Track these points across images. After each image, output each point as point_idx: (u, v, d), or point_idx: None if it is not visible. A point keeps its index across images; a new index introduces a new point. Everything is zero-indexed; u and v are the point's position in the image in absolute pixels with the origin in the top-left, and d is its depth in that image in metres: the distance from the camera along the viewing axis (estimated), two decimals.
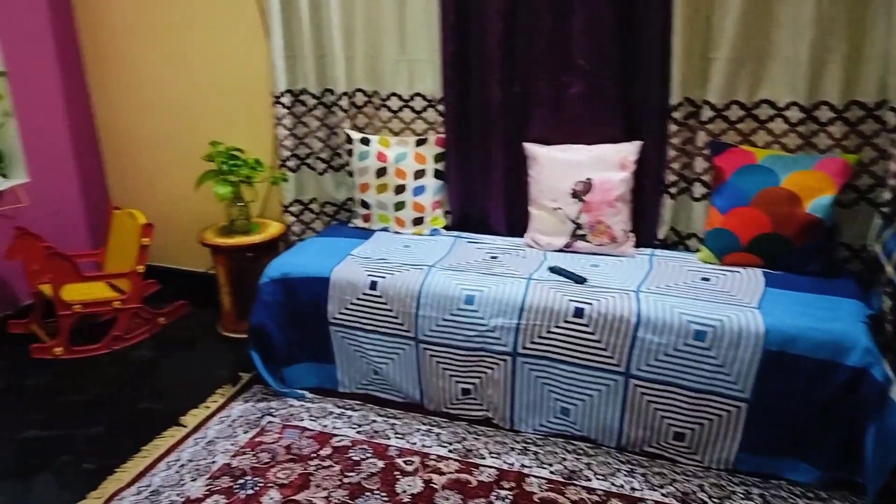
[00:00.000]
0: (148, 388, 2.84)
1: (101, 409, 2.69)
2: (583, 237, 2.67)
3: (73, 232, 3.50)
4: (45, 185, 3.33)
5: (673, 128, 2.56)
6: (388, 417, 2.55)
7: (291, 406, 2.63)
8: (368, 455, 2.33)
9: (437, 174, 2.96)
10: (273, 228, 3.18)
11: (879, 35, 2.25)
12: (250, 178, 3.05)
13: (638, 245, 2.70)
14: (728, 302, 2.20)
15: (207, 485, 2.20)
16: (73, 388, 2.84)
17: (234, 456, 2.34)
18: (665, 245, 2.72)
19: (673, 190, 2.65)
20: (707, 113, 2.52)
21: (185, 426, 2.53)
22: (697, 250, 2.61)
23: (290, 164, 3.12)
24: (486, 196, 2.94)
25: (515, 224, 2.89)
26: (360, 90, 3.01)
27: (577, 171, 2.65)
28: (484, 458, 2.31)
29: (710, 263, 2.52)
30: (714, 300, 2.22)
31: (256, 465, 2.29)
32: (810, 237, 2.34)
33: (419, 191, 2.94)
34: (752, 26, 2.37)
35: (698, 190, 2.63)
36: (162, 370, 3.00)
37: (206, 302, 3.37)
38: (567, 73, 2.65)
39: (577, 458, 2.30)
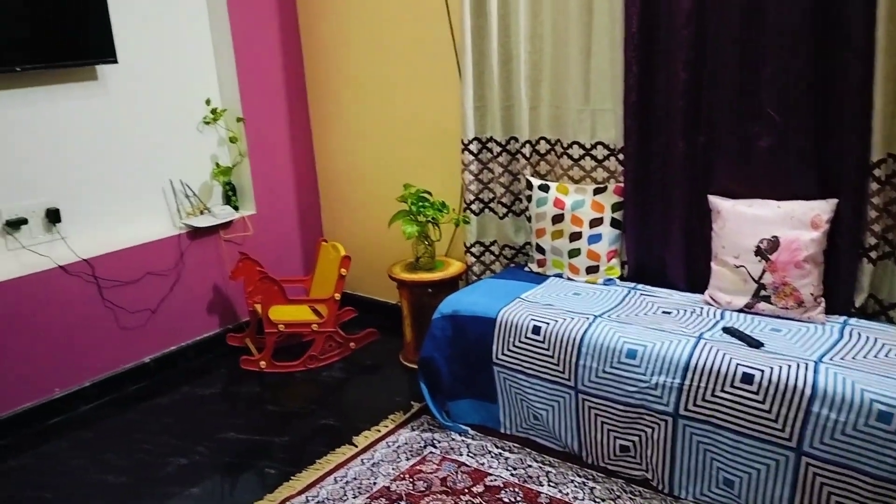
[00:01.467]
0: (332, 407, 3.11)
1: (291, 420, 2.99)
2: (766, 299, 2.50)
3: (289, 259, 3.94)
4: (269, 217, 3.80)
5: (874, 186, 2.33)
6: (545, 464, 2.55)
7: (453, 440, 2.73)
8: (519, 499, 2.36)
9: (615, 223, 2.94)
10: (454, 267, 3.34)
11: None
12: (436, 220, 3.24)
13: (830, 312, 2.46)
14: None
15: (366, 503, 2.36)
16: (271, 399, 3.19)
17: (393, 480, 2.49)
18: (863, 314, 2.46)
19: (873, 254, 2.40)
20: None
21: (356, 446, 2.73)
22: None
23: (474, 207, 3.27)
24: (664, 248, 2.86)
25: (695, 279, 2.78)
26: (543, 138, 3.09)
27: (764, 228, 2.50)
28: None
29: None
30: None
31: (412, 491, 2.42)
32: None
33: (595, 239, 2.94)
34: None
35: None
36: (347, 391, 3.27)
37: (392, 332, 3.61)
38: (755, 125, 2.52)
39: None
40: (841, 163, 2.39)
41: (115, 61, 3.09)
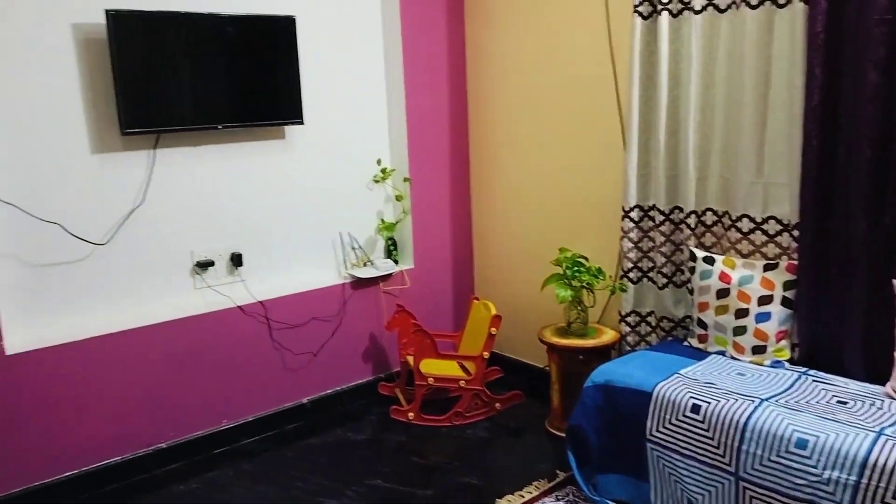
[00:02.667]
0: (475, 465, 3.12)
1: (435, 474, 3.03)
2: None
3: (440, 314, 4.05)
4: (425, 272, 3.94)
5: None
6: None
7: None
8: None
9: (786, 302, 2.78)
10: (608, 336, 3.29)
11: None
12: (591, 285, 3.23)
13: None
14: None
15: None
16: (417, 450, 3.25)
17: None
18: None
19: None
20: None
21: None
22: None
23: (632, 275, 3.22)
24: (840, 333, 2.67)
25: (875, 369, 2.56)
26: (709, 209, 3.01)
27: None
28: None
29: None
30: None
31: None
32: None
33: (763, 317, 2.79)
34: None
35: None
36: (490, 451, 3.27)
37: (539, 396, 3.59)
38: None
39: None
40: None
41: (302, 123, 3.39)
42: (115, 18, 2.80)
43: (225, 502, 2.86)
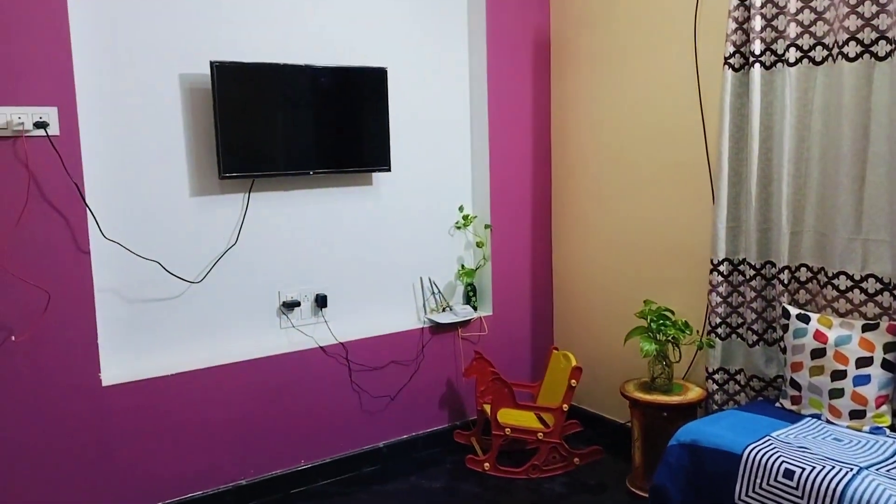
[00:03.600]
0: None
1: None
2: None
3: (519, 364, 4.01)
4: (504, 319, 3.92)
5: None
6: None
7: None
8: None
9: (886, 365, 2.63)
10: (693, 393, 3.17)
11: None
12: (677, 340, 3.14)
13: None
14: None
15: None
16: (492, 502, 3.20)
17: None
18: None
19: None
20: None
21: None
22: None
23: (720, 331, 3.12)
24: None
25: None
26: (804, 265, 2.90)
27: None
28: None
29: None
30: None
31: None
32: None
33: (862, 380, 2.64)
34: None
35: None
36: None
37: (619, 453, 3.49)
38: None
39: None
40: None
41: (390, 170, 3.48)
42: (219, 69, 2.97)
43: None
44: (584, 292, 3.95)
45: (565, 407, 3.38)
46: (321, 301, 3.41)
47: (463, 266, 3.89)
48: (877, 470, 2.26)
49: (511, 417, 3.44)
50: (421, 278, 3.75)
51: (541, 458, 3.41)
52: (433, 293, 3.79)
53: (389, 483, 3.38)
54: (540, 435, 3.40)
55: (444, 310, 3.79)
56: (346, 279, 3.50)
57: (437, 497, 3.25)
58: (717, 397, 3.14)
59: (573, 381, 3.36)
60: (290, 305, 3.34)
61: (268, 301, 3.31)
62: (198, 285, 3.13)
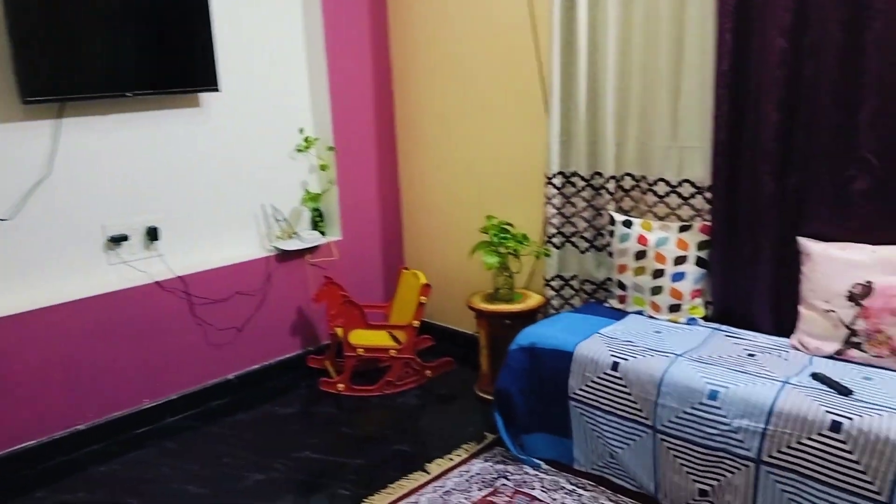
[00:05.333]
0: (406, 433, 3.14)
1: (366, 444, 3.04)
2: (857, 346, 2.39)
3: (370, 285, 4.03)
4: (353, 243, 3.91)
5: None
6: None
7: (526, 473, 2.71)
8: None
9: (700, 262, 2.89)
10: (533, 300, 3.34)
11: None
12: (517, 252, 3.27)
13: None
14: None
15: None
16: (347, 421, 3.25)
17: None
18: None
19: None
20: None
21: (428, 473, 2.75)
22: None
23: (556, 240, 3.28)
24: (751, 290, 2.79)
25: (782, 323, 2.70)
26: (628, 174, 3.08)
27: (857, 273, 2.41)
28: None
29: None
30: None
31: None
32: None
33: (678, 277, 2.89)
34: None
35: None
36: (421, 418, 3.29)
37: (468, 362, 3.64)
38: (851, 167, 2.45)
39: None
40: None
41: (218, 90, 3.28)
42: None
43: (149, 481, 2.80)
44: (432, 211, 4.00)
45: (416, 323, 3.45)
46: (152, 234, 3.22)
47: (308, 191, 3.80)
48: (690, 356, 2.51)
49: (363, 338, 3.48)
50: (263, 205, 3.64)
51: (394, 374, 3.49)
52: (277, 220, 3.69)
53: (241, 413, 3.34)
54: (392, 352, 3.47)
55: (290, 237, 3.72)
56: (180, 210, 3.32)
57: (292, 422, 3.26)
58: (554, 302, 3.32)
59: (423, 297, 3.43)
60: (117, 240, 3.13)
61: (92, 236, 3.08)
62: (10, 222, 2.85)
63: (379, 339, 3.54)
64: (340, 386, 3.48)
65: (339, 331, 3.49)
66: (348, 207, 3.85)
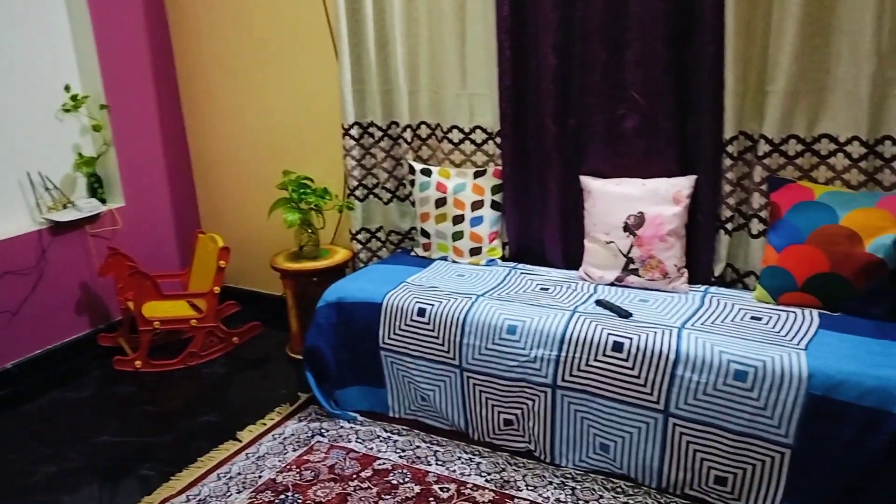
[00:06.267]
0: (215, 403, 3.01)
1: (170, 420, 2.87)
2: (634, 271, 2.63)
3: (164, 253, 3.77)
4: (140, 209, 3.62)
5: (727, 162, 2.50)
6: (433, 444, 2.58)
7: (341, 428, 2.72)
8: (407, 479, 2.38)
9: (495, 205, 3.00)
10: (340, 255, 3.30)
11: None
12: (319, 207, 3.20)
13: (693, 281, 2.63)
14: (774, 342, 2.11)
15: (250, 498, 2.31)
16: (150, 399, 3.05)
17: (280, 472, 2.45)
18: (722, 282, 2.64)
19: (729, 226, 2.58)
20: (763, 147, 2.44)
21: (240, 441, 2.66)
22: (755, 289, 2.51)
23: (358, 193, 3.25)
24: (542, 228, 2.95)
25: (572, 257, 2.89)
26: (423, 123, 3.11)
27: (631, 205, 2.63)
28: (520, 490, 2.30)
29: (764, 303, 2.42)
30: (760, 340, 2.13)
31: (299, 482, 2.39)
32: (871, 278, 2.21)
33: (476, 221, 2.99)
34: (810, 59, 2.30)
35: (756, 227, 2.54)
36: (230, 387, 3.17)
37: (278, 324, 3.54)
38: (621, 107, 2.64)
39: (614, 497, 2.25)
40: (698, 141, 2.54)
41: None
42: None
43: None
44: (226, 170, 3.79)
45: (216, 289, 3.29)
46: None
47: (81, 155, 3.43)
48: (490, 295, 2.62)
49: (159, 310, 3.26)
50: (29, 173, 3.24)
51: (197, 345, 3.32)
52: (47, 189, 3.31)
53: (26, 404, 3.02)
54: (193, 322, 3.29)
55: (64, 206, 3.35)
56: None
57: (86, 406, 3.00)
58: (361, 255, 3.31)
59: (222, 262, 3.27)
60: None
61: None
62: None
63: (177, 309, 3.34)
64: (138, 363, 3.25)
65: (131, 305, 3.24)
66: (129, 170, 3.55)
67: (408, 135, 3.12)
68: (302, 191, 3.17)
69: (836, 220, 2.25)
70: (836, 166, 2.36)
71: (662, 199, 2.58)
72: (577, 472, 2.38)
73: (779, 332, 2.18)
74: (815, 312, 2.29)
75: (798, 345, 2.08)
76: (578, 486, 2.31)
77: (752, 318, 2.30)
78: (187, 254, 3.79)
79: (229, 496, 2.33)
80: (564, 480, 2.34)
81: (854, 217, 2.23)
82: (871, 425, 1.89)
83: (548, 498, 2.26)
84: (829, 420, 1.94)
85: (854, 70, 2.24)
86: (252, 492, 2.34)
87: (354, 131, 3.17)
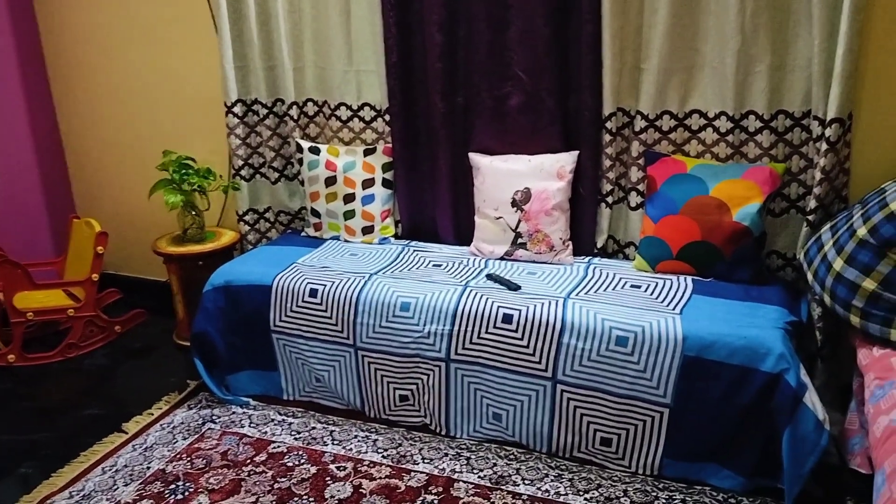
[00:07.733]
0: (98, 396, 2.87)
1: (49, 415, 2.72)
2: (522, 245, 2.70)
3: (35, 241, 3.54)
4: (6, 196, 3.37)
5: (607, 137, 2.60)
6: (329, 424, 2.57)
7: (234, 413, 2.66)
8: (303, 461, 2.36)
9: (386, 183, 2.99)
10: (227, 237, 3.20)
11: (802, 45, 2.28)
12: (202, 188, 3.08)
13: (578, 253, 2.73)
14: (652, 309, 2.23)
15: (139, 490, 2.23)
16: (26, 395, 2.88)
17: (169, 462, 2.37)
18: (605, 254, 2.75)
19: (610, 199, 2.68)
20: (640, 123, 2.55)
21: (126, 432, 2.56)
22: (634, 259, 2.64)
23: (244, 173, 3.16)
24: (434, 205, 2.97)
25: (462, 233, 2.93)
26: (310, 100, 3.05)
27: (518, 181, 2.68)
28: (417, 464, 2.33)
29: (643, 271, 2.55)
30: (639, 307, 2.25)
31: (190, 470, 2.32)
32: (738, 245, 2.36)
33: (368, 200, 2.97)
34: (680, 37, 2.41)
35: (634, 199, 2.66)
36: (114, 378, 3.03)
37: (164, 311, 3.40)
38: (506, 85, 2.68)
39: (507, 464, 2.32)
40: (580, 118, 2.62)
41: None
42: None
43: None
44: (103, 151, 3.59)
45: (95, 277, 3.13)
46: None
47: None
48: (383, 273, 2.62)
49: (32, 300, 3.07)
50: None
51: (76, 336, 3.15)
52: None
53: None
54: (71, 312, 3.11)
55: None
56: None
57: None
58: (250, 237, 3.23)
59: (99, 248, 3.11)
60: None
61: None
62: None
63: (52, 299, 3.15)
64: (11, 357, 3.05)
65: (0, 296, 3.03)
66: None
67: (294, 112, 3.05)
68: (184, 171, 3.05)
69: (707, 191, 2.39)
70: (706, 140, 2.50)
71: (547, 174, 2.65)
72: (472, 442, 2.44)
73: (656, 299, 2.30)
74: (689, 279, 2.43)
75: (674, 310, 2.21)
76: (473, 456, 2.36)
77: (632, 286, 2.42)
78: (62, 240, 3.58)
79: (116, 489, 2.23)
80: (460, 451, 2.39)
81: (722, 188, 2.37)
82: (740, 382, 2.04)
83: (444, 469, 2.30)
84: (702, 379, 2.07)
85: (720, 48, 2.37)
86: (140, 483, 2.26)
87: (238, 109, 3.07)
